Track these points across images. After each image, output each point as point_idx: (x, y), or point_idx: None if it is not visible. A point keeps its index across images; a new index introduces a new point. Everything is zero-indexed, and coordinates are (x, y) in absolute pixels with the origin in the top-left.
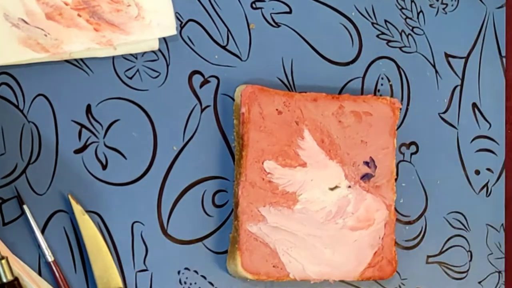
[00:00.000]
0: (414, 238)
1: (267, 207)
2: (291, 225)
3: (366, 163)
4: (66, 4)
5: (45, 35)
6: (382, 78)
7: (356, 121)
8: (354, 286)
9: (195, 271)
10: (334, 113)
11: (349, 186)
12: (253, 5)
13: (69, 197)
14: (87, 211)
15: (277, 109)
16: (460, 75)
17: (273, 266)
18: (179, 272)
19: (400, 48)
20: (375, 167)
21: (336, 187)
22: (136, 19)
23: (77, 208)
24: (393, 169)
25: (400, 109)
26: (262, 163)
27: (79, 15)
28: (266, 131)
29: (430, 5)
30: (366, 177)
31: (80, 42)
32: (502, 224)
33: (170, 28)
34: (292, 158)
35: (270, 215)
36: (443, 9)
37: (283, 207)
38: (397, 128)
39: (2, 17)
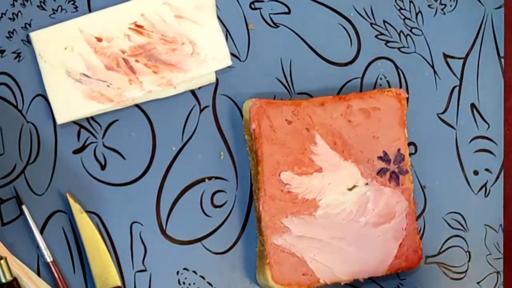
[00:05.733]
0: None
1: (290, 217)
2: (315, 232)
3: (381, 158)
4: (123, 52)
5: (108, 86)
6: (381, 79)
7: (365, 118)
8: (352, 286)
9: (194, 272)
10: (342, 114)
11: (367, 184)
12: (252, 6)
13: (67, 195)
14: (86, 211)
15: (286, 120)
16: (459, 76)
17: (303, 275)
18: (178, 273)
19: (398, 48)
20: (389, 160)
21: (354, 186)
22: (192, 55)
23: (75, 207)
24: (408, 159)
25: (407, 98)
26: (279, 175)
27: (136, 60)
28: (279, 143)
29: (429, 6)
30: (382, 171)
31: (141, 87)
32: (501, 225)
33: (225, 60)
34: (308, 165)
35: (294, 225)
36: (442, 9)
37: (305, 215)
38: None
39: (65, 74)
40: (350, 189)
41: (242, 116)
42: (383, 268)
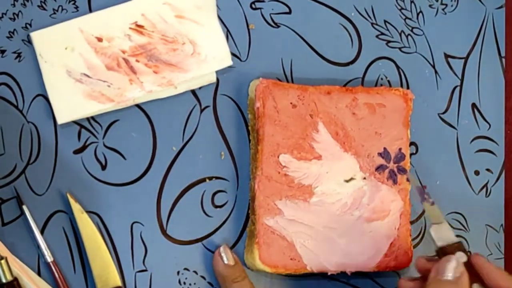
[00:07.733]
0: (414, 239)
1: (284, 200)
2: (307, 218)
3: (381, 154)
4: (124, 52)
5: (108, 86)
6: (382, 79)
7: (370, 113)
8: (352, 286)
9: (195, 272)
10: (348, 106)
11: (364, 178)
12: (253, 6)
13: (68, 195)
14: (87, 211)
15: (291, 103)
16: (460, 76)
17: (291, 259)
18: (178, 273)
19: (399, 48)
20: (389, 158)
21: (351, 179)
22: (193, 55)
23: (75, 207)
24: (408, 159)
25: (412, 99)
26: (278, 157)
27: (137, 60)
28: (281, 124)
29: (430, 6)
30: (381, 168)
31: (141, 87)
32: (502, 225)
33: (225, 60)
34: (307, 151)
35: (287, 208)
36: (443, 9)
37: (299, 200)
38: None
39: (65, 74)
40: (347, 181)
41: (242, 115)
42: (371, 264)
